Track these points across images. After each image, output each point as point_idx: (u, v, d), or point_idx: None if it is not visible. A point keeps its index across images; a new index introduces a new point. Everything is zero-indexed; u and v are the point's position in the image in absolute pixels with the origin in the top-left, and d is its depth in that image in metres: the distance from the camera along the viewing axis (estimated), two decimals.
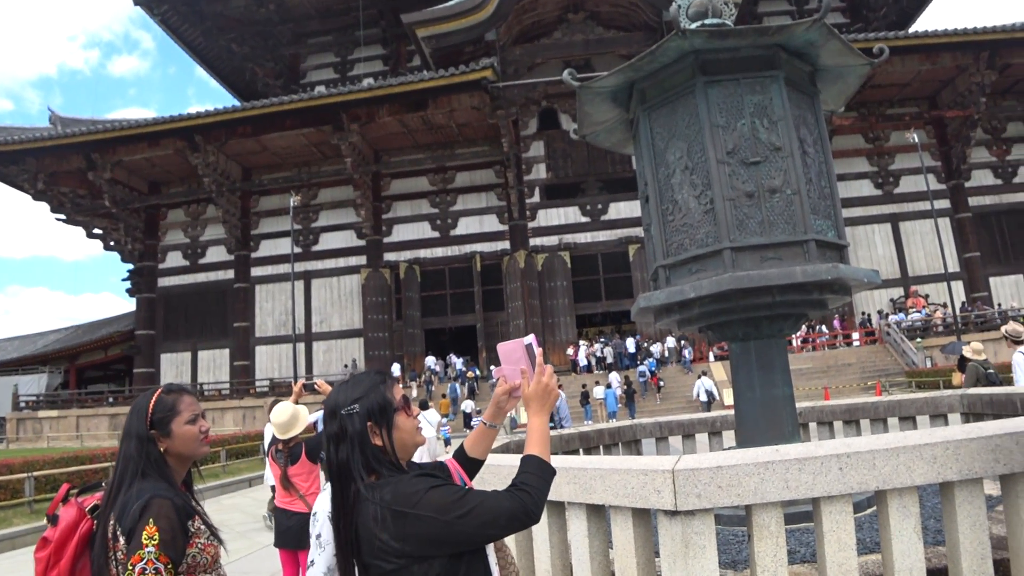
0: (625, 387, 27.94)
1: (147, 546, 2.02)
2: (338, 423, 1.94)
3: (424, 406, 20.57)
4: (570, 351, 33.29)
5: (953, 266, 33.76)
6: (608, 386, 27.65)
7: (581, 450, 7.28)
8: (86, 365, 45.40)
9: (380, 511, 1.80)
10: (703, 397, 24.38)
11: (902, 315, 32.54)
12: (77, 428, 34.94)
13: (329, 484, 1.98)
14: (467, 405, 27.54)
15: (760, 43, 5.35)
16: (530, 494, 1.83)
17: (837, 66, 5.82)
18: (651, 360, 31.41)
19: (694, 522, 3.14)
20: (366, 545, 1.81)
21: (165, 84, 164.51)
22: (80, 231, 38.30)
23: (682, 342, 32.29)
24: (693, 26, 5.61)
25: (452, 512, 1.76)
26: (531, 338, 2.18)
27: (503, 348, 2.18)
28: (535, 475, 1.89)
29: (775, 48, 5.37)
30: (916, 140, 30.47)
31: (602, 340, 34.44)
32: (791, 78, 5.51)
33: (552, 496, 3.85)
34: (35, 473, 14.36)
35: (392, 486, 1.84)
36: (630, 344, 32.64)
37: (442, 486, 1.84)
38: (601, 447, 7.55)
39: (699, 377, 26.05)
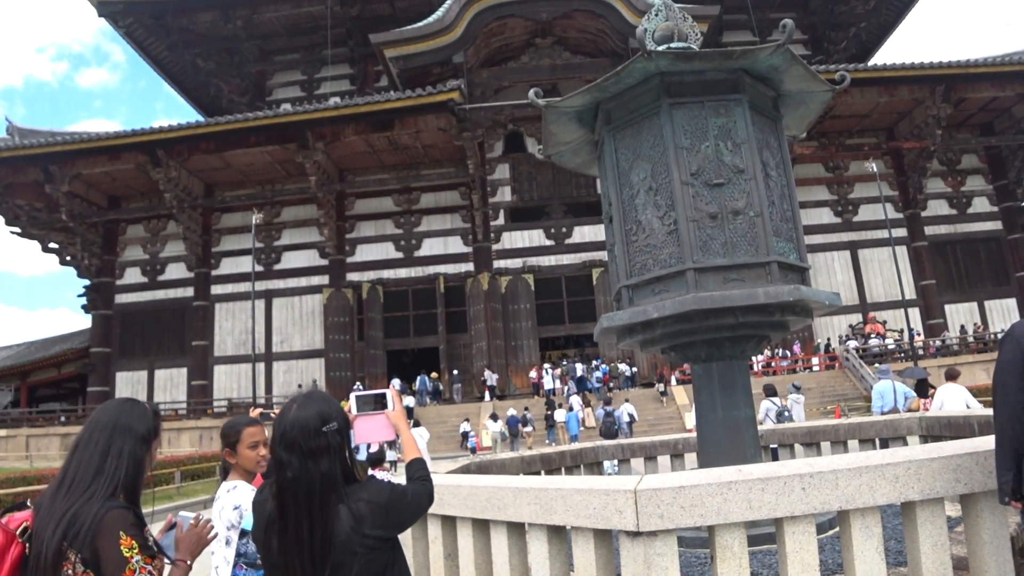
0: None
1: (131, 557, 1.99)
2: (323, 439, 2.18)
3: (416, 423, 22.30)
4: (533, 374, 33.24)
5: (910, 293, 34.39)
6: (570, 409, 27.60)
7: (543, 471, 7.22)
8: (38, 383, 44.15)
9: (363, 509, 2.13)
10: (625, 419, 24.94)
11: (857, 341, 33.05)
12: (27, 448, 33.86)
13: (292, 497, 2.15)
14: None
15: (725, 66, 5.41)
16: (431, 481, 2.41)
17: (800, 91, 5.91)
18: (604, 367, 32.56)
19: (656, 543, 3.09)
20: (343, 544, 2.09)
21: (134, 97, 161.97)
22: (37, 245, 37.47)
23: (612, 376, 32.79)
24: (659, 48, 5.66)
25: (406, 499, 2.26)
26: (385, 390, 2.62)
27: (364, 424, 2.56)
28: (424, 470, 2.43)
29: (739, 72, 5.43)
30: (874, 170, 31.14)
31: (564, 363, 34.49)
32: (755, 102, 5.57)
33: (512, 517, 3.79)
34: None
35: (364, 489, 2.21)
36: (579, 368, 32.86)
37: (391, 483, 2.31)
38: (563, 469, 7.49)
39: (624, 403, 26.49)
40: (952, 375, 9.93)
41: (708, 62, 5.36)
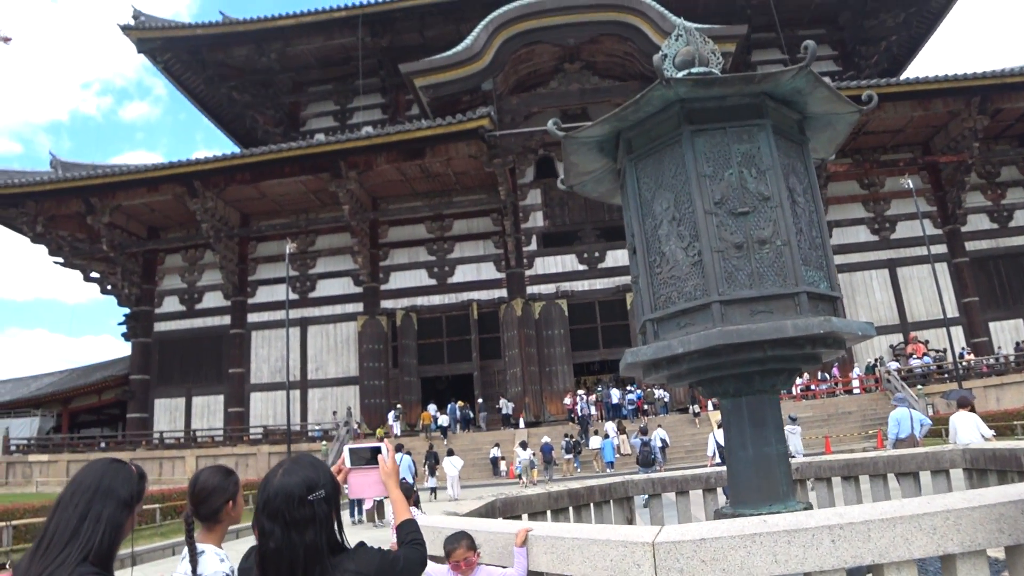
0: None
1: None
2: (309, 509, 2.07)
3: (450, 452, 23.24)
4: (567, 400, 32.97)
5: (952, 311, 33.57)
6: (605, 436, 27.28)
7: (571, 508, 7.03)
8: (79, 409, 44.90)
9: None
10: (658, 444, 24.74)
11: (899, 362, 32.30)
12: (68, 473, 34.31)
13: (274, 569, 2.06)
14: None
15: (746, 91, 5.26)
16: (423, 544, 2.36)
17: (826, 113, 5.73)
18: (638, 392, 32.85)
19: None
20: None
21: (175, 129, 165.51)
22: (80, 274, 38.29)
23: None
24: (679, 75, 5.53)
25: (397, 566, 2.18)
26: (380, 444, 2.54)
27: (358, 479, 2.50)
28: (417, 532, 2.36)
29: (762, 96, 5.27)
30: (911, 185, 30.56)
31: (599, 388, 34.21)
32: (779, 126, 5.41)
33: (529, 566, 3.65)
34: (14, 522, 13.96)
35: (352, 559, 2.12)
36: (614, 395, 32.59)
37: (381, 550, 2.22)
38: (592, 505, 7.29)
39: (657, 428, 26.34)
40: (964, 403, 9.78)
41: (729, 87, 5.22)
